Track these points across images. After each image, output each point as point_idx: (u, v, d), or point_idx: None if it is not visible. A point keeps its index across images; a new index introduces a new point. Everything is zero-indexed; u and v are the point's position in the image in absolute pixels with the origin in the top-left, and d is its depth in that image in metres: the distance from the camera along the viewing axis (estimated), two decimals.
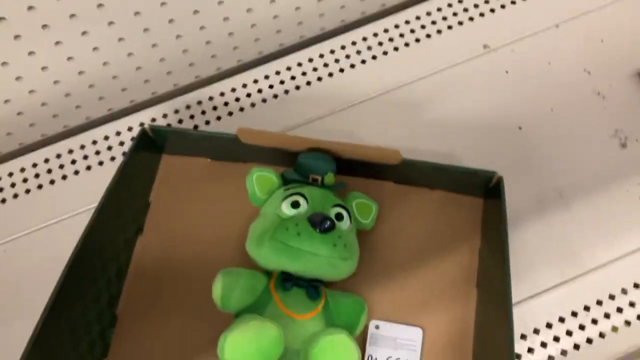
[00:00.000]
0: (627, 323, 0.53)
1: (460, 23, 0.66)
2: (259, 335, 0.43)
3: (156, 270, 0.56)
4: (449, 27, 0.66)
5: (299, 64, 0.66)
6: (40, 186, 0.61)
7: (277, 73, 0.65)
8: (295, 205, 0.50)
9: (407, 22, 0.67)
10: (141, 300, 0.55)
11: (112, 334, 0.53)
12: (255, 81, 0.65)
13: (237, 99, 0.64)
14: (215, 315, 0.49)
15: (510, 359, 0.43)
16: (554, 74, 0.63)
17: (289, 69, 0.65)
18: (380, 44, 0.66)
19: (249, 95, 0.64)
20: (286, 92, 0.64)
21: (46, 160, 0.62)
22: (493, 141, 0.60)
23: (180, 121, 0.64)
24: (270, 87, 0.65)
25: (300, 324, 0.48)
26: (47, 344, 0.44)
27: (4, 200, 0.60)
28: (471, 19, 0.66)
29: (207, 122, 0.64)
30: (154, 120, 0.64)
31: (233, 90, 0.65)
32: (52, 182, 0.61)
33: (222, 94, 0.65)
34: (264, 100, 0.64)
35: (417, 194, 0.58)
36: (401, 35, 0.66)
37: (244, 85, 0.65)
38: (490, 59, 0.64)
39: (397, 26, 0.67)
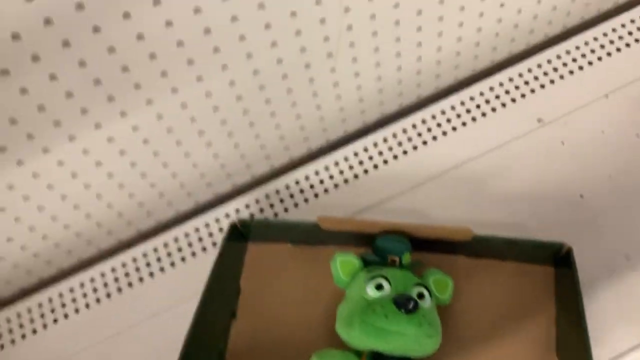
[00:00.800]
0: None
1: (513, 100, 0.71)
2: None
3: (251, 353, 0.61)
4: (503, 105, 0.71)
5: (365, 149, 0.71)
6: (141, 279, 0.67)
7: (346, 159, 0.71)
8: (379, 287, 0.54)
9: (462, 103, 0.72)
10: None
11: None
12: (326, 168, 0.71)
13: (312, 186, 0.70)
14: None
15: None
16: (608, 142, 0.67)
17: (356, 154, 0.71)
18: (439, 125, 0.71)
19: (322, 181, 0.70)
20: (355, 176, 0.70)
21: (144, 255, 0.69)
22: (557, 210, 0.64)
23: (261, 210, 0.70)
24: (341, 172, 0.70)
25: None
26: None
27: (108, 295, 0.67)
28: (523, 95, 0.71)
29: (286, 210, 0.69)
30: (237, 210, 0.70)
31: (307, 178, 0.71)
32: (151, 274, 0.67)
33: (297, 182, 0.70)
34: (336, 186, 0.70)
35: (488, 266, 0.62)
36: (458, 116, 0.71)
37: (317, 173, 0.71)
38: (545, 131, 0.69)
39: (453, 107, 0.72)
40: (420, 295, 0.54)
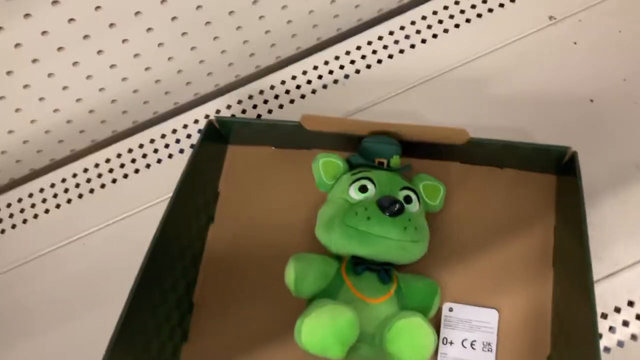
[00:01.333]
0: None
1: None
2: (335, 318, 0.44)
3: (229, 257, 0.57)
4: (512, 0, 0.64)
5: (358, 48, 0.65)
6: (114, 180, 0.63)
7: (337, 58, 0.65)
8: (363, 189, 0.50)
9: None
10: (216, 288, 0.56)
11: (190, 320, 0.55)
12: (315, 67, 0.65)
13: (298, 87, 0.65)
14: (289, 300, 0.50)
15: (594, 339, 0.42)
16: (625, 43, 0.60)
17: (347, 53, 0.65)
18: (440, 21, 0.65)
19: (309, 82, 0.65)
20: (346, 76, 0.64)
21: (119, 155, 0.64)
22: (563, 115, 0.58)
23: (243, 111, 0.65)
24: (330, 72, 0.65)
25: (374, 307, 0.48)
26: (132, 329, 0.46)
27: (80, 196, 0.63)
28: None
29: (270, 111, 0.64)
30: (218, 111, 0.65)
31: (293, 77, 0.65)
32: (125, 176, 0.63)
33: (282, 82, 0.65)
34: (325, 86, 0.64)
35: (485, 173, 0.57)
36: (462, 12, 0.65)
37: (304, 72, 0.65)
38: (557, 30, 0.62)
39: (457, 2, 0.65)
40: (408, 199, 0.50)
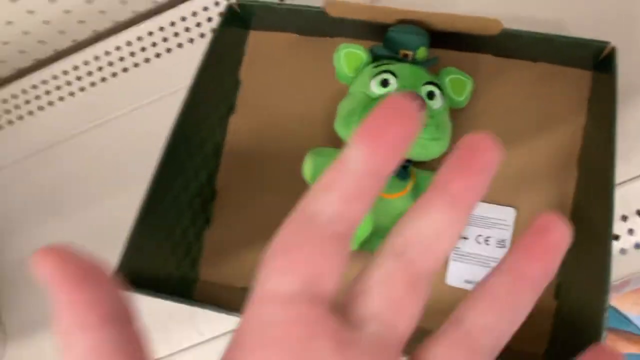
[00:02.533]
0: None
1: None
2: None
3: (250, 147, 0.58)
4: None
5: None
6: (136, 64, 0.63)
7: None
8: (384, 83, 0.48)
9: None
10: (237, 176, 0.57)
11: (213, 207, 0.57)
12: None
13: None
14: (306, 188, 0.51)
15: (607, 236, 0.42)
16: None
17: None
18: None
19: None
20: None
21: (139, 38, 0.63)
22: (606, 9, 0.54)
23: None
24: None
25: (390, 202, 0.48)
26: (155, 213, 0.48)
27: (103, 79, 0.63)
28: None
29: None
30: None
31: None
32: (147, 60, 0.63)
33: None
34: None
35: (517, 66, 0.54)
36: None
37: None
38: None
39: None
40: (430, 95, 0.48)
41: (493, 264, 0.50)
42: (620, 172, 0.50)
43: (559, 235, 0.20)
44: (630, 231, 0.51)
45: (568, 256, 0.46)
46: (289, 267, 0.17)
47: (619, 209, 0.51)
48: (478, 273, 0.51)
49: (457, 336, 0.19)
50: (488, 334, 0.19)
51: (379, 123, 0.18)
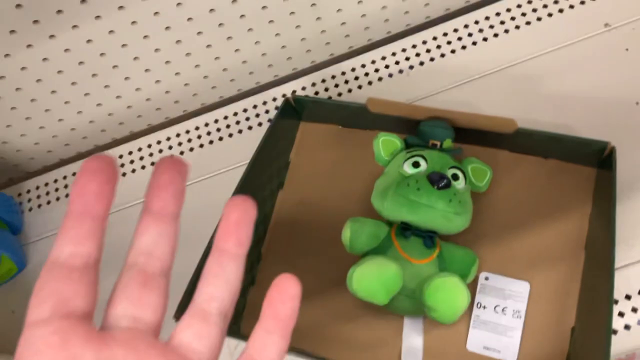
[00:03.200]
0: None
1: (582, 2, 0.69)
2: (381, 269, 0.51)
3: (294, 218, 0.66)
4: (571, 7, 0.69)
5: (424, 42, 0.72)
6: (201, 145, 0.73)
7: (403, 50, 0.72)
8: (416, 165, 0.57)
9: (529, 1, 0.71)
10: (282, 243, 0.65)
11: (259, 268, 0.64)
12: (383, 58, 0.72)
13: (367, 74, 0.72)
14: (344, 256, 0.58)
15: (609, 316, 0.47)
16: None
17: (414, 46, 0.72)
18: (502, 22, 0.71)
19: (377, 70, 0.72)
20: (411, 67, 0.71)
21: (206, 124, 0.74)
22: (609, 116, 0.63)
23: (316, 93, 0.73)
24: (397, 63, 0.72)
25: (417, 267, 0.55)
26: None
27: (182, 153, 0.74)
28: None
29: (339, 94, 0.72)
30: (294, 92, 0.73)
31: (363, 66, 0.73)
32: (211, 142, 0.73)
33: (353, 69, 0.73)
34: (390, 75, 0.71)
35: (530, 162, 0.63)
36: (523, 14, 0.70)
37: (373, 62, 0.73)
38: (611, 36, 0.67)
39: (519, 5, 0.71)
40: (455, 177, 0.57)
41: (509, 333, 0.56)
42: (624, 256, 0.57)
43: (242, 213, 0.26)
44: (635, 310, 0.56)
45: (578, 329, 0.52)
46: (41, 300, 0.23)
47: (622, 289, 0.56)
48: (496, 340, 0.56)
49: (192, 309, 0.26)
50: (213, 301, 0.26)
51: (80, 180, 0.24)
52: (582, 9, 0.69)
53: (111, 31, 0.64)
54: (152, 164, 0.74)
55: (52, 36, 0.63)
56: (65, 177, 0.76)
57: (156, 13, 0.63)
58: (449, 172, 0.57)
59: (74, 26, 0.62)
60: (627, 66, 0.65)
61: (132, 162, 0.75)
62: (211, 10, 0.65)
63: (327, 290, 0.61)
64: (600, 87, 0.65)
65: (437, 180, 0.54)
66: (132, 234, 0.26)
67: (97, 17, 0.62)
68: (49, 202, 0.75)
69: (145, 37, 0.66)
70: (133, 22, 0.64)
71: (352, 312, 0.60)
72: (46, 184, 0.76)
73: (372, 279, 0.51)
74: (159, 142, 0.75)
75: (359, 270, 0.52)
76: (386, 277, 0.51)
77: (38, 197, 0.75)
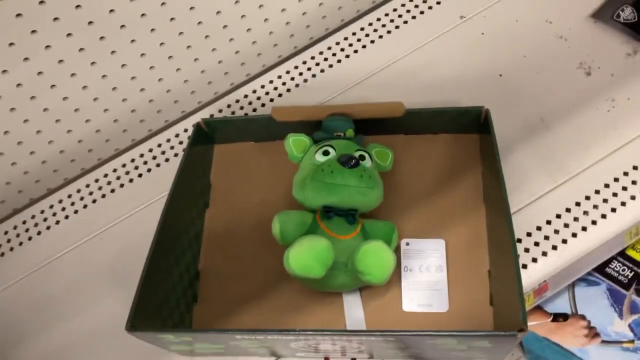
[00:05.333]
0: (613, 210, 0.64)
1: (438, 2, 0.80)
2: (313, 244, 0.56)
3: (225, 231, 0.70)
4: (430, 7, 0.80)
5: (312, 57, 0.80)
6: (122, 185, 0.76)
7: (295, 67, 0.80)
8: (326, 153, 0.63)
9: (394, 9, 0.81)
10: (217, 256, 0.68)
11: (198, 285, 0.67)
12: (279, 77, 0.79)
13: (267, 93, 0.79)
14: (278, 253, 0.62)
15: (514, 257, 0.53)
16: (522, 28, 0.76)
17: (304, 62, 0.80)
18: (376, 30, 0.80)
19: (275, 88, 0.79)
20: (305, 80, 0.79)
21: (123, 165, 0.77)
22: (480, 89, 0.73)
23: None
24: (292, 79, 0.79)
25: (344, 242, 0.60)
26: (152, 286, 0.58)
27: (113, 190, 0.76)
28: None
29: (246, 115, 0.78)
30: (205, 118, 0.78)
31: (262, 87, 0.79)
32: (131, 180, 0.76)
33: (254, 91, 0.79)
34: (289, 90, 0.78)
35: (423, 140, 0.71)
36: (391, 21, 0.80)
37: (270, 82, 0.79)
38: (468, 25, 0.78)
39: (386, 14, 0.81)
40: (362, 157, 0.63)
41: (437, 287, 0.62)
42: (517, 200, 0.65)
43: None
44: (537, 243, 0.64)
45: (493, 271, 0.59)
46: None
47: (523, 227, 0.64)
48: (427, 296, 0.62)
49: None
50: None
51: None
52: (440, 7, 0.80)
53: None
54: (75, 211, 0.75)
55: None
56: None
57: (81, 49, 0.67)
58: (356, 154, 0.63)
59: None
60: (486, 46, 0.76)
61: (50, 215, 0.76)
62: (113, 52, 0.70)
63: (269, 288, 0.65)
64: (468, 68, 0.75)
65: (347, 161, 0.61)
66: None
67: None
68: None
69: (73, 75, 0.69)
70: (59, 61, 0.67)
71: (297, 303, 0.64)
72: None
73: (307, 254, 0.56)
74: (78, 191, 0.77)
75: (293, 250, 0.56)
76: (318, 250, 0.56)
77: None
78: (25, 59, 0.65)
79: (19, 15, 0.60)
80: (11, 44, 0.62)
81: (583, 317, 0.81)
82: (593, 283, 0.80)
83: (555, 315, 0.80)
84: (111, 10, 0.65)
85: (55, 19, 0.63)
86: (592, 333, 0.80)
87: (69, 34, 0.65)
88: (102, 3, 0.64)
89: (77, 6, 0.63)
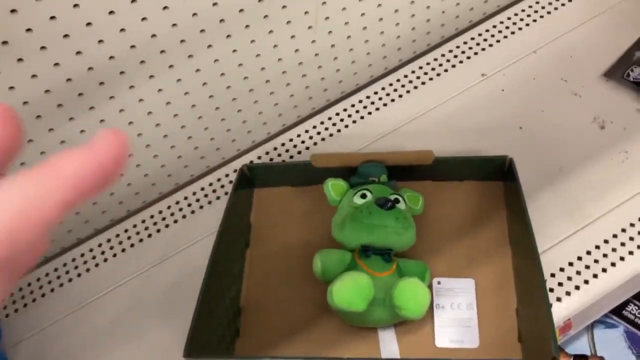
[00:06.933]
0: (631, 252, 0.69)
1: (461, 62, 0.87)
2: (355, 279, 0.61)
3: (265, 270, 0.74)
4: (453, 66, 0.87)
5: (345, 109, 0.87)
6: (167, 226, 0.81)
7: (329, 119, 0.86)
8: (363, 196, 0.68)
9: (420, 67, 0.88)
10: (257, 293, 0.72)
11: (240, 321, 0.71)
12: (314, 127, 0.86)
13: (303, 142, 0.85)
14: (318, 290, 0.67)
15: (544, 293, 0.59)
16: (539, 85, 0.83)
17: (337, 114, 0.86)
18: (403, 86, 0.87)
19: (311, 137, 0.85)
20: (339, 130, 0.85)
21: (169, 207, 0.82)
22: (503, 139, 0.79)
23: None
24: (326, 129, 0.85)
25: (382, 279, 0.64)
26: (204, 317, 0.62)
27: (159, 230, 0.81)
28: (468, 57, 0.88)
29: (283, 161, 0.84)
30: (247, 163, 0.84)
31: (298, 135, 0.85)
32: (175, 221, 0.81)
33: (290, 140, 0.85)
34: (323, 139, 0.85)
35: (450, 186, 0.76)
36: (417, 77, 0.87)
37: (306, 131, 0.86)
38: (488, 83, 0.85)
39: (413, 71, 0.88)
40: (397, 200, 0.69)
41: (467, 324, 0.66)
42: (540, 243, 0.70)
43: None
44: (560, 284, 0.68)
45: (521, 309, 0.63)
46: None
47: (547, 269, 0.69)
48: (458, 332, 0.66)
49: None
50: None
51: None
52: (463, 66, 0.87)
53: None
54: (124, 249, 0.80)
55: None
56: (39, 279, 0.80)
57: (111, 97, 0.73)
58: (391, 197, 0.68)
59: None
60: (506, 102, 0.82)
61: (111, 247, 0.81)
62: (167, 103, 0.76)
63: (307, 323, 0.69)
64: (490, 121, 0.81)
65: (384, 203, 0.66)
66: None
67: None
68: (25, 305, 0.78)
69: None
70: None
71: (334, 337, 0.68)
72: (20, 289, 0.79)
73: (349, 289, 0.60)
74: (125, 230, 0.82)
75: (336, 285, 0.61)
76: (361, 286, 0.61)
77: (13, 302, 0.78)
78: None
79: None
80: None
81: (602, 358, 0.84)
82: (611, 325, 0.84)
83: (576, 357, 0.84)
84: (162, 51, 0.71)
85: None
86: None
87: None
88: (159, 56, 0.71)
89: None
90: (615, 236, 0.70)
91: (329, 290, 0.62)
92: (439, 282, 0.69)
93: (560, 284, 0.68)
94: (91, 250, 0.81)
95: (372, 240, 0.66)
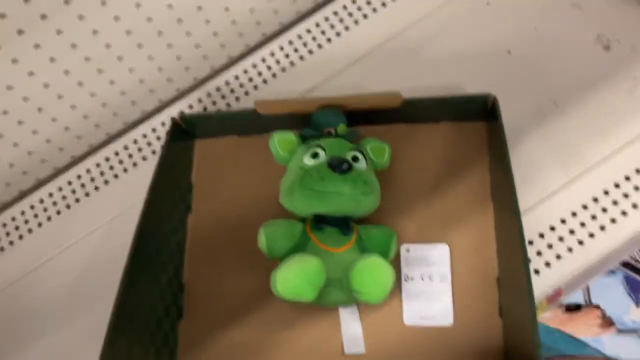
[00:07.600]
0: (635, 206, 0.58)
1: None
2: (303, 266, 0.51)
3: (209, 239, 0.64)
4: None
5: (299, 37, 0.72)
6: (97, 188, 0.70)
7: (281, 49, 0.72)
8: (315, 155, 0.56)
9: None
10: (202, 267, 0.63)
11: (183, 300, 0.62)
12: (263, 60, 0.72)
13: (250, 79, 0.71)
14: (265, 263, 0.57)
15: (524, 260, 0.48)
16: None
17: (290, 42, 0.72)
18: (369, 3, 0.72)
19: (260, 73, 0.71)
20: (292, 64, 0.71)
21: (97, 165, 0.71)
22: (487, 68, 0.66)
23: (204, 109, 0.71)
24: (277, 62, 0.72)
25: (338, 256, 0.54)
26: (128, 308, 0.53)
27: (77, 200, 0.70)
28: None
29: (228, 105, 0.71)
30: (182, 112, 0.71)
31: (245, 72, 0.72)
32: (106, 182, 0.70)
33: (236, 78, 0.72)
34: (274, 75, 0.71)
35: (424, 129, 0.64)
36: None
37: (254, 66, 0.72)
38: None
39: None
40: (355, 159, 0.57)
41: (440, 298, 0.57)
42: (528, 196, 0.59)
43: None
44: (550, 246, 0.58)
45: (503, 277, 0.53)
46: None
47: (535, 228, 0.59)
48: (429, 308, 0.57)
49: None
50: None
51: None
52: None
53: None
54: (48, 218, 0.70)
55: None
56: None
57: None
58: (349, 155, 0.57)
59: None
60: (492, 19, 0.68)
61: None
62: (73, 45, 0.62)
63: (258, 302, 0.60)
64: (472, 44, 0.67)
65: (338, 166, 0.54)
66: None
67: None
68: None
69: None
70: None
71: (287, 317, 0.59)
72: None
73: (296, 278, 0.50)
74: (50, 195, 0.71)
75: (280, 273, 0.51)
76: (309, 273, 0.50)
77: None
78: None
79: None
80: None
81: (597, 307, 0.76)
82: (609, 272, 0.75)
83: (568, 307, 0.76)
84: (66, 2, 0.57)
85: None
86: (607, 322, 0.76)
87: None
88: None
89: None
90: (617, 186, 0.59)
91: (272, 279, 0.52)
92: (407, 250, 0.59)
93: (549, 246, 0.58)
94: (17, 216, 0.71)
95: (326, 209, 0.55)
